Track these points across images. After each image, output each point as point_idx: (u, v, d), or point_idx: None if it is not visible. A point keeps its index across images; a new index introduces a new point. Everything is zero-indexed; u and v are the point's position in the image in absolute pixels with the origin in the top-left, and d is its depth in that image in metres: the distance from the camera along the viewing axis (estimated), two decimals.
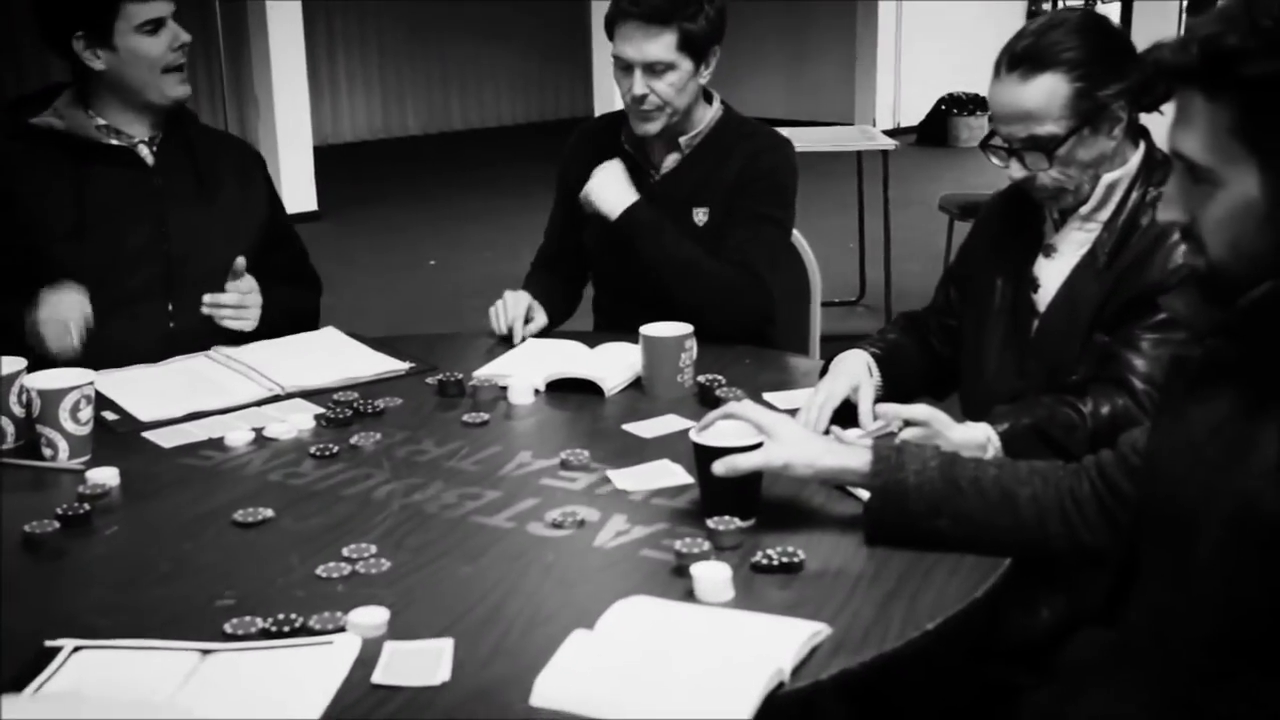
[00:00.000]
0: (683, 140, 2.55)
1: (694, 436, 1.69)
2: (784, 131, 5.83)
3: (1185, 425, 1.36)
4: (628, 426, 2.05)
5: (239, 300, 2.40)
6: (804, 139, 5.84)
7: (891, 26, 12.31)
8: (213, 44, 11.77)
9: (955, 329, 2.21)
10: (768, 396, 2.16)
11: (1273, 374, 1.24)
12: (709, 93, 2.60)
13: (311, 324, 2.65)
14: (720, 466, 1.61)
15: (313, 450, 1.96)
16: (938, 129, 11.44)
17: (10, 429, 1.99)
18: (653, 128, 2.50)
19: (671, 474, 1.85)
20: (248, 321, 2.42)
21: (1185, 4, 10.28)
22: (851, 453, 1.65)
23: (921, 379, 2.20)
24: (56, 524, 1.65)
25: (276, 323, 2.49)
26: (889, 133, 11.51)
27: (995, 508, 1.58)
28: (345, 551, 1.59)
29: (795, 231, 2.81)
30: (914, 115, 12.08)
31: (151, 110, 2.44)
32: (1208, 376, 1.35)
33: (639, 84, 2.45)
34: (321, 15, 12.34)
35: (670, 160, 2.58)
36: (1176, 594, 1.30)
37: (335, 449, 1.96)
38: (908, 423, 1.82)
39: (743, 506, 1.64)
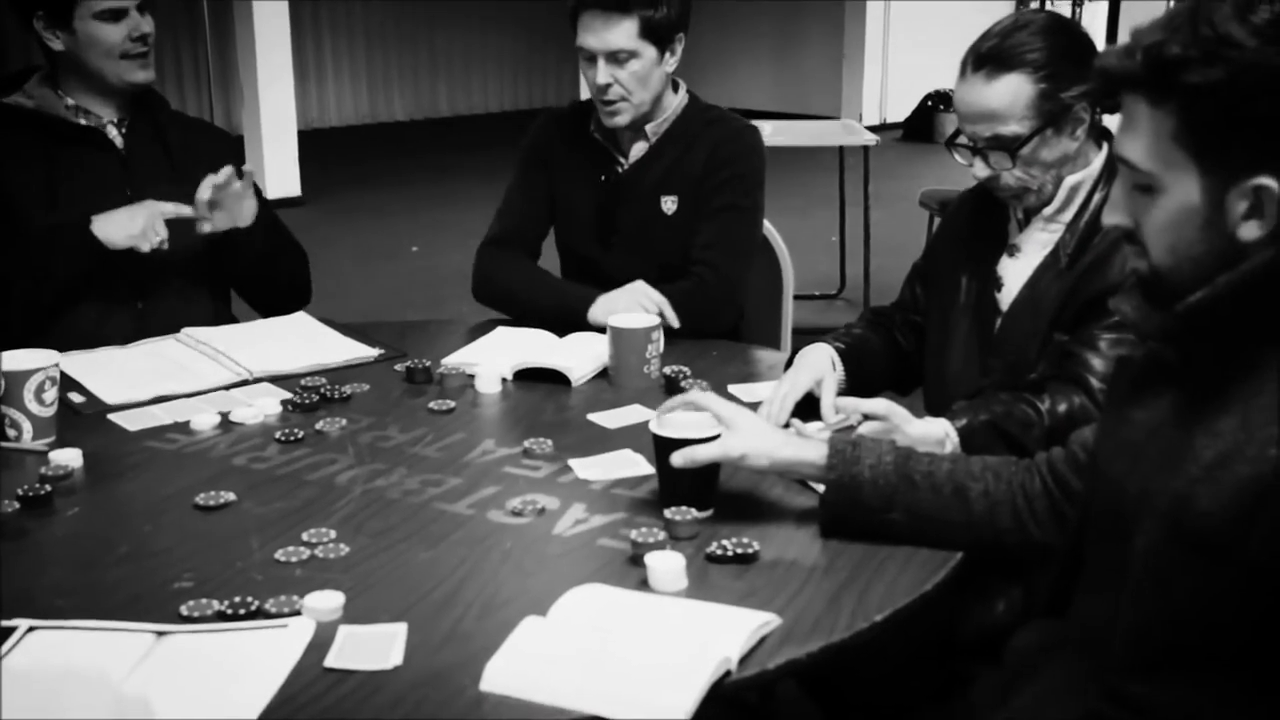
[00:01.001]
0: (649, 128, 2.56)
1: (653, 428, 1.70)
2: (769, 125, 5.83)
3: (1127, 426, 1.38)
4: (592, 416, 2.07)
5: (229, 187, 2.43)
6: (786, 134, 5.88)
7: (880, 22, 12.35)
8: (199, 28, 11.76)
9: (920, 325, 2.23)
10: (733, 389, 2.17)
11: (1207, 378, 1.26)
12: (675, 81, 2.61)
13: (304, 288, 2.68)
14: (678, 458, 1.63)
15: (278, 435, 1.97)
16: (923, 125, 11.46)
17: None
18: (620, 120, 2.51)
19: (633, 464, 1.86)
20: (245, 213, 2.47)
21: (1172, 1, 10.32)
22: (808, 446, 1.67)
23: (886, 374, 2.22)
24: (17, 504, 1.66)
25: (271, 245, 2.58)
26: (875, 128, 11.53)
27: (948, 503, 1.60)
28: (305, 536, 1.61)
29: (768, 224, 2.83)
30: (900, 111, 12.11)
31: (115, 93, 2.45)
32: (1148, 379, 1.37)
33: (602, 73, 2.45)
34: (308, 5, 12.32)
35: (638, 149, 2.59)
36: (1113, 589, 1.32)
37: (300, 434, 1.97)
38: (867, 416, 1.84)
39: (700, 497, 1.66)
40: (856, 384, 2.11)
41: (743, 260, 2.56)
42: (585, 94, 2.62)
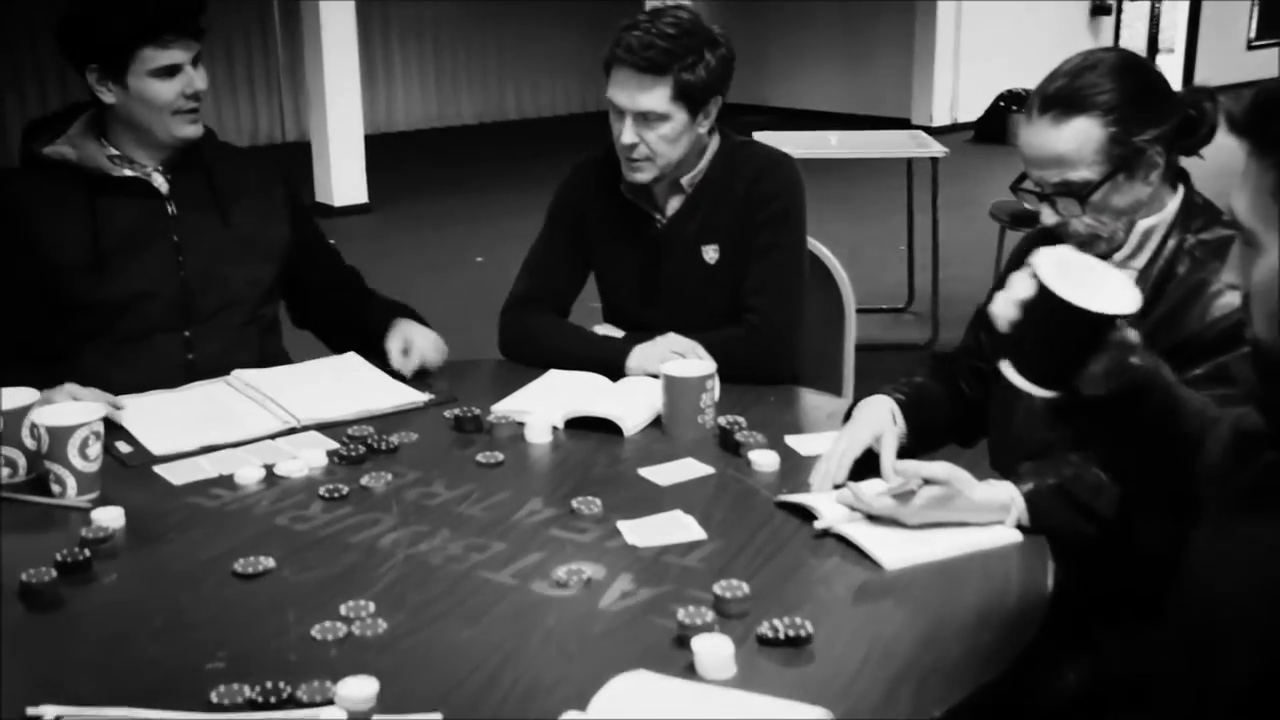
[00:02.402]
0: (684, 181, 2.48)
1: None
2: (835, 136, 5.69)
3: (1232, 540, 1.28)
4: (644, 471, 2.01)
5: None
6: (851, 145, 5.78)
7: (951, 21, 12.15)
8: (270, 34, 11.86)
9: (986, 373, 2.14)
10: (790, 440, 2.10)
11: None
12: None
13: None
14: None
15: (322, 491, 1.93)
16: (996, 126, 11.25)
17: (21, 462, 1.97)
18: (642, 177, 2.44)
19: (683, 528, 1.80)
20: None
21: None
22: None
23: (949, 425, 2.14)
24: (54, 573, 1.63)
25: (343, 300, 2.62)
26: (945, 129, 11.40)
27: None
28: (343, 610, 1.56)
29: (825, 250, 2.75)
30: (972, 111, 11.92)
31: (163, 146, 2.42)
32: (1262, 492, 1.26)
33: (628, 132, 2.38)
34: (378, 5, 12.36)
35: (674, 203, 2.51)
36: (1203, 705, 1.23)
37: (345, 490, 1.93)
38: (927, 481, 1.76)
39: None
40: (918, 436, 2.03)
41: (793, 301, 2.48)
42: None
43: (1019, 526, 1.77)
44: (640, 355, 2.37)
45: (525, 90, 13.74)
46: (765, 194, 2.46)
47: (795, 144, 5.80)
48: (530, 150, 11.23)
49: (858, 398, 2.10)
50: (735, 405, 2.24)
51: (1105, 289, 1.40)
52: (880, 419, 1.99)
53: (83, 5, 2.35)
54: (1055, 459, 1.85)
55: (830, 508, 1.82)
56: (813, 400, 2.37)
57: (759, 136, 5.85)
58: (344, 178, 8.78)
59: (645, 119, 2.36)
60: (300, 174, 9.13)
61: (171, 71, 2.32)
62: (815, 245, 2.72)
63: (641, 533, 1.79)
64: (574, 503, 1.87)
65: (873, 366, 4.61)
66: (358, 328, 2.54)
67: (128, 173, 2.40)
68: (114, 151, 2.40)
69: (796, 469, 2.00)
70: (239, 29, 11.66)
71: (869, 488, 1.82)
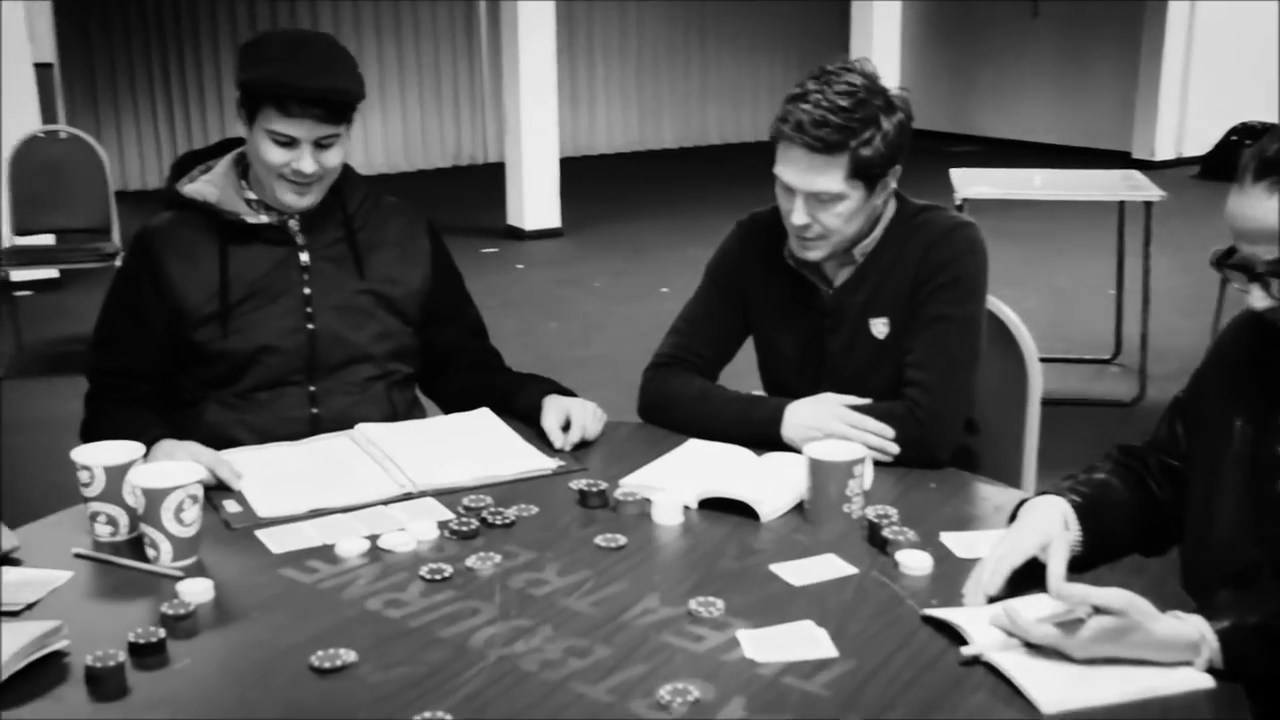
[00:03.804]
0: (856, 251, 2.27)
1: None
2: (1039, 175, 5.34)
3: None
4: (777, 568, 1.80)
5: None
6: (1057, 186, 5.41)
7: (1180, 48, 11.47)
8: (476, 54, 12.03)
9: (1180, 472, 1.86)
10: (946, 538, 1.86)
11: None
12: None
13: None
14: None
15: (423, 571, 1.78)
16: (1226, 162, 10.55)
17: (123, 520, 1.89)
18: (815, 255, 2.23)
19: (812, 642, 1.59)
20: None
21: None
22: None
23: (1133, 530, 1.86)
24: (122, 656, 1.52)
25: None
26: (1169, 164, 10.78)
27: None
28: None
29: (1008, 311, 2.49)
30: (1200, 145, 11.23)
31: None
32: None
33: (799, 213, 2.17)
34: (582, 25, 12.43)
35: (844, 273, 2.30)
36: None
37: (448, 572, 1.78)
38: (1099, 609, 1.51)
39: None
40: (1095, 545, 1.77)
41: (960, 379, 2.23)
42: None
43: (1210, 670, 1.50)
44: (797, 420, 2.17)
45: (727, 113, 13.63)
46: (938, 262, 2.23)
47: (996, 183, 5.48)
48: (729, 175, 11.06)
49: (1045, 459, 1.83)
50: (890, 492, 2.01)
51: None
52: (1049, 523, 1.74)
53: (259, 38, 2.28)
54: (1262, 588, 1.57)
55: (983, 629, 1.58)
56: (981, 490, 2.12)
57: (959, 172, 5.57)
58: (536, 201, 8.78)
59: (818, 198, 2.15)
60: (494, 196, 9.18)
61: (286, 142, 2.21)
62: (996, 304, 2.46)
63: (764, 645, 1.58)
64: (693, 603, 1.68)
65: (1068, 424, 4.28)
66: (499, 403, 2.39)
67: (264, 219, 2.31)
68: (252, 196, 2.31)
69: (951, 575, 1.76)
70: (447, 47, 11.86)
71: (1030, 609, 1.57)
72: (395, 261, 2.40)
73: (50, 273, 7.10)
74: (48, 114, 7.68)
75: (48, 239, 6.65)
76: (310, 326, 2.31)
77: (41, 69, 7.95)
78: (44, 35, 9.54)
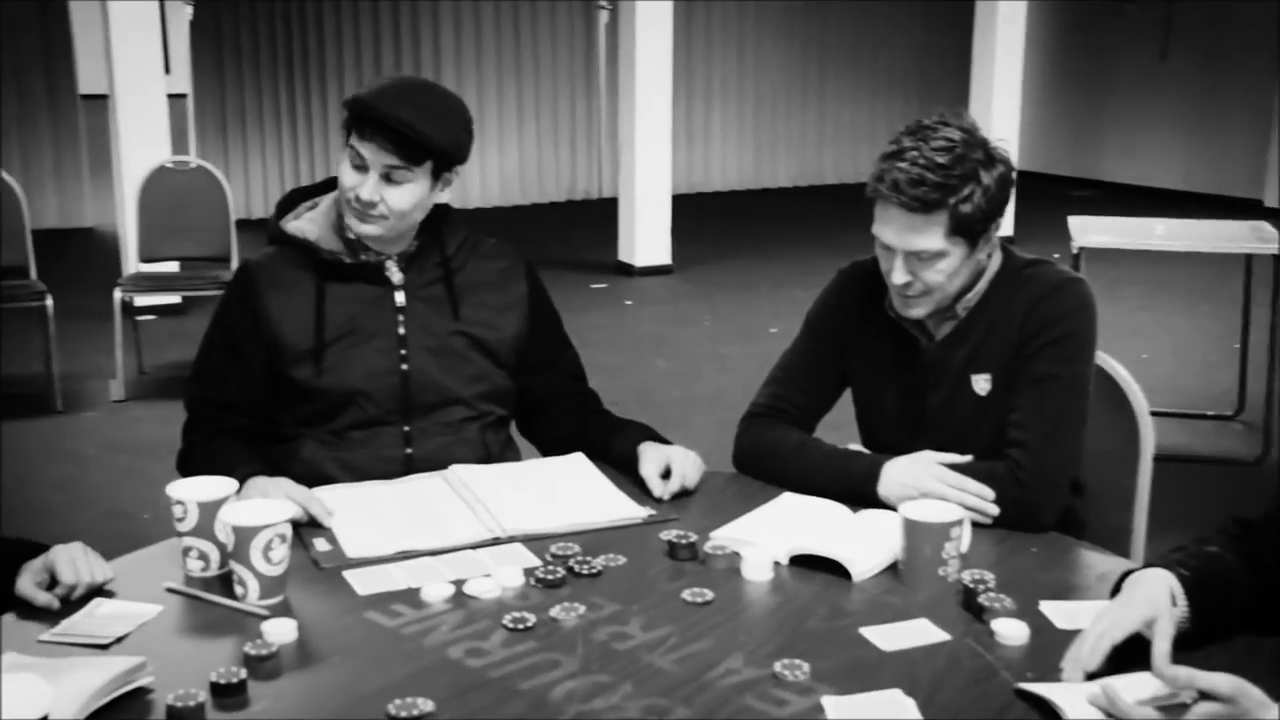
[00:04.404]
0: (959, 305, 2.21)
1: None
2: (1161, 225, 5.19)
3: None
4: (867, 631, 1.74)
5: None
6: (1179, 238, 5.25)
7: None
8: (594, 89, 12.13)
9: None
10: (1046, 608, 1.79)
11: None
12: None
13: None
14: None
15: (506, 620, 1.76)
16: None
17: (214, 556, 1.91)
18: (917, 313, 2.19)
19: (900, 712, 1.53)
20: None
21: None
22: None
23: (1246, 609, 1.76)
24: (202, 695, 1.52)
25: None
26: None
27: None
28: None
29: (1117, 366, 2.40)
30: None
31: None
32: None
33: (899, 272, 2.12)
34: (700, 62, 12.47)
35: (946, 327, 2.24)
36: None
37: (531, 621, 1.76)
38: (1204, 695, 1.43)
39: None
40: (1204, 623, 1.68)
41: (1066, 440, 2.16)
42: None
43: None
44: (894, 478, 2.12)
45: (845, 152, 13.54)
46: (1045, 318, 2.16)
47: (1116, 231, 5.34)
48: (844, 216, 10.94)
49: (1158, 519, 1.75)
50: (988, 555, 1.95)
51: None
52: (1155, 598, 1.66)
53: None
54: None
55: (1080, 707, 1.51)
56: (1085, 557, 2.04)
57: (1077, 220, 5.43)
58: (647, 237, 8.79)
59: (918, 256, 2.11)
60: (606, 231, 9.22)
61: (359, 164, 2.22)
62: (1106, 359, 2.38)
63: (849, 713, 1.53)
64: (778, 666, 1.63)
65: (1185, 482, 4.13)
66: (595, 448, 2.38)
67: (363, 258, 2.33)
68: (353, 235, 2.32)
69: (1050, 646, 1.69)
70: (565, 84, 11.98)
71: (1130, 689, 1.50)
72: (492, 306, 2.40)
73: (173, 298, 7.28)
74: (179, 144, 7.90)
75: (172, 266, 6.83)
76: (404, 367, 2.31)
77: (175, 99, 8.20)
78: (180, 67, 9.88)
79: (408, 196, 2.24)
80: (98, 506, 4.70)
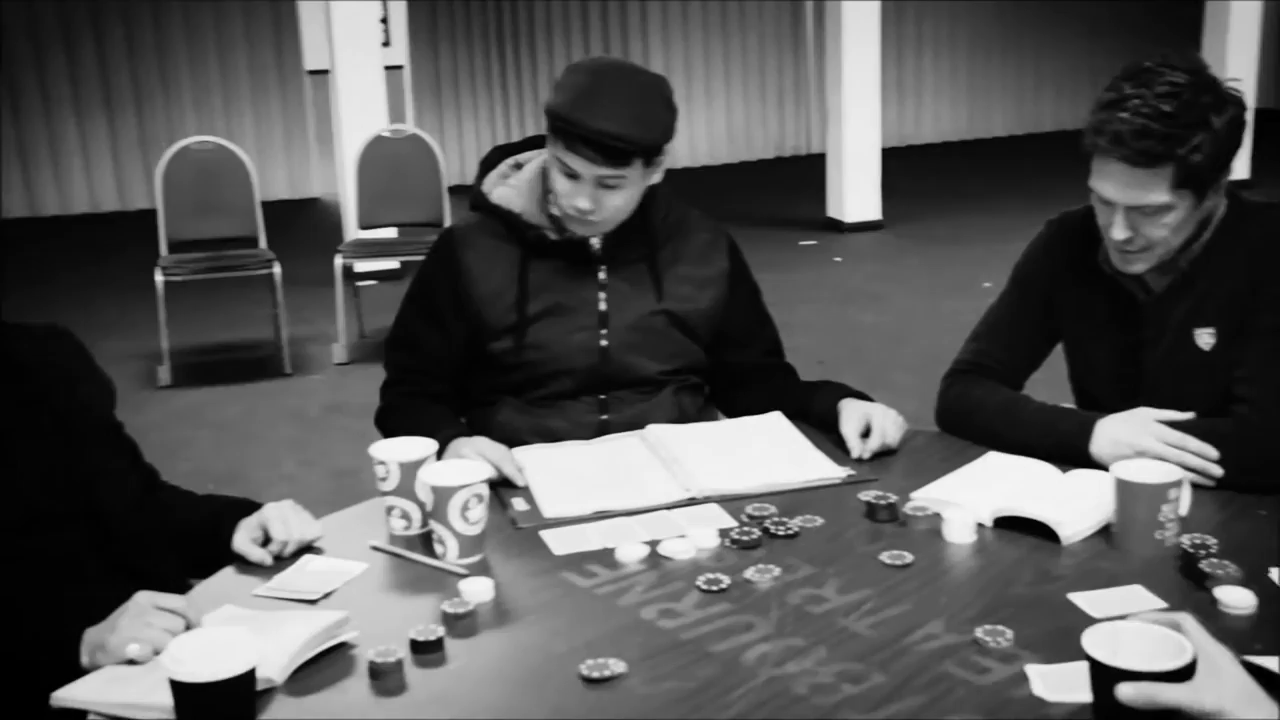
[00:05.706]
0: (1181, 257, 2.08)
1: (1090, 647, 1.30)
2: None
3: None
4: (1075, 597, 1.66)
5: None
6: None
7: None
8: (802, 44, 11.98)
9: None
10: (1275, 574, 1.68)
11: None
12: None
13: None
14: (1129, 690, 1.23)
15: (700, 582, 1.75)
16: None
17: (416, 515, 1.95)
18: (1138, 268, 2.06)
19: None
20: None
21: None
22: None
23: None
24: (401, 652, 1.56)
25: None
26: None
27: None
28: None
29: None
30: None
31: None
32: None
33: (1120, 227, 2.00)
34: (910, 11, 12.16)
35: (1166, 279, 2.11)
36: None
37: (725, 583, 1.74)
38: None
39: None
40: None
41: None
42: None
43: None
44: (1108, 436, 2.01)
45: (1065, 99, 13.01)
46: (1274, 266, 2.02)
47: None
48: (1060, 166, 10.54)
49: None
50: (1210, 519, 1.83)
51: None
52: None
53: (574, 65, 2.25)
54: None
55: None
56: None
57: None
58: (857, 193, 8.65)
59: (1141, 211, 1.98)
60: (815, 187, 9.10)
61: (570, 174, 2.18)
62: None
63: (1054, 683, 1.46)
64: (979, 631, 1.57)
65: None
66: (794, 409, 2.33)
67: (567, 234, 2.30)
68: (555, 211, 2.28)
69: (1279, 617, 1.58)
70: (772, 41, 11.86)
71: None
72: (693, 280, 2.37)
73: (391, 263, 7.51)
74: (396, 114, 8.12)
75: (390, 232, 7.04)
76: (603, 344, 2.31)
77: (392, 71, 8.43)
78: (399, 39, 10.17)
79: (624, 197, 2.21)
80: (322, 465, 4.89)
